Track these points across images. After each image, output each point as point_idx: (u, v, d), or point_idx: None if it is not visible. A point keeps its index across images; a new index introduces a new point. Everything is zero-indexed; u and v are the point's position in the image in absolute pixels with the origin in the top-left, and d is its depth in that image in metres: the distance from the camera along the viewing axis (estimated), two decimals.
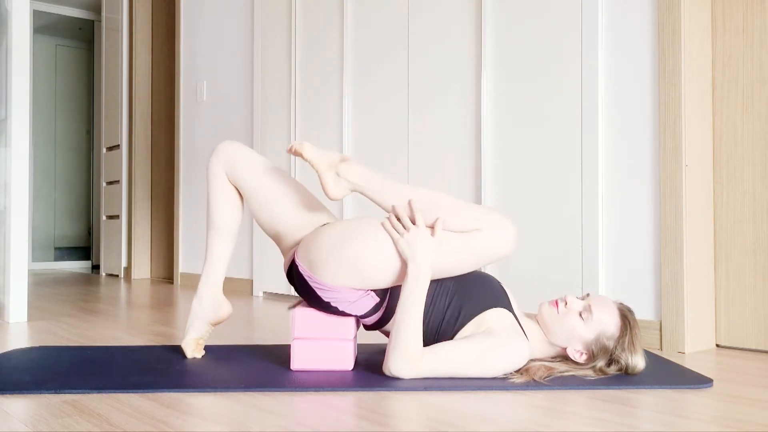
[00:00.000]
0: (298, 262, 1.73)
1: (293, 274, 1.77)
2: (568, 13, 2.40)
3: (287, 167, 3.59)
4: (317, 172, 1.73)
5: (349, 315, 1.74)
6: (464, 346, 1.61)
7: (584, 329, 1.64)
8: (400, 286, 1.71)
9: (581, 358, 1.67)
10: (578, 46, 2.37)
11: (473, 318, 1.67)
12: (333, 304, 1.71)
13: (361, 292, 1.70)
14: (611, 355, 1.64)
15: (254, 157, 1.89)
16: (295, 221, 1.82)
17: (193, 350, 1.92)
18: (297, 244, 1.80)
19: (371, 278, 1.68)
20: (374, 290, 1.72)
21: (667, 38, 2.14)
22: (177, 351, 2.01)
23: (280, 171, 1.90)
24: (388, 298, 1.73)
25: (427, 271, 1.64)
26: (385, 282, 1.69)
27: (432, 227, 1.66)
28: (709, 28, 2.23)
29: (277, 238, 1.86)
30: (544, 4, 2.48)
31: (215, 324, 1.96)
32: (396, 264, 1.67)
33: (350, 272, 1.66)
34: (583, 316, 1.64)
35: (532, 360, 1.70)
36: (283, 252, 1.86)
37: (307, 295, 1.74)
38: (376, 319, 1.75)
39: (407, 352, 1.60)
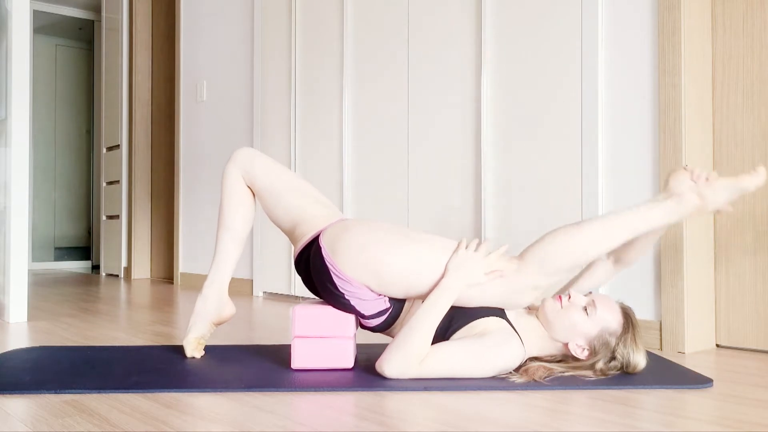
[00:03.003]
0: (322, 244, 1.73)
1: (309, 259, 1.78)
2: (568, 13, 2.40)
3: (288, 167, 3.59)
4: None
5: (355, 311, 1.75)
6: (458, 347, 1.61)
7: (587, 324, 1.64)
8: (406, 299, 1.74)
9: (583, 354, 1.66)
10: (578, 46, 2.37)
11: (463, 327, 1.68)
12: (347, 296, 1.72)
13: (375, 294, 1.71)
14: (613, 351, 1.63)
15: (271, 159, 1.95)
16: (312, 211, 1.85)
17: (194, 349, 1.92)
18: (314, 231, 1.80)
19: (388, 286, 1.69)
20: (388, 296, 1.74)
21: (667, 38, 2.14)
22: (177, 351, 2.02)
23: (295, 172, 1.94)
24: (395, 306, 1.74)
25: (457, 291, 1.65)
26: (399, 293, 1.71)
27: (495, 271, 1.67)
28: (709, 29, 2.23)
29: (292, 227, 1.87)
30: (544, 5, 2.48)
31: (218, 324, 1.97)
32: (416, 281, 1.68)
33: (370, 273, 1.68)
34: (587, 310, 1.65)
35: (531, 359, 1.70)
36: (297, 239, 1.86)
37: (321, 280, 1.74)
38: (379, 322, 1.76)
39: (409, 357, 1.60)
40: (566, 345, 1.68)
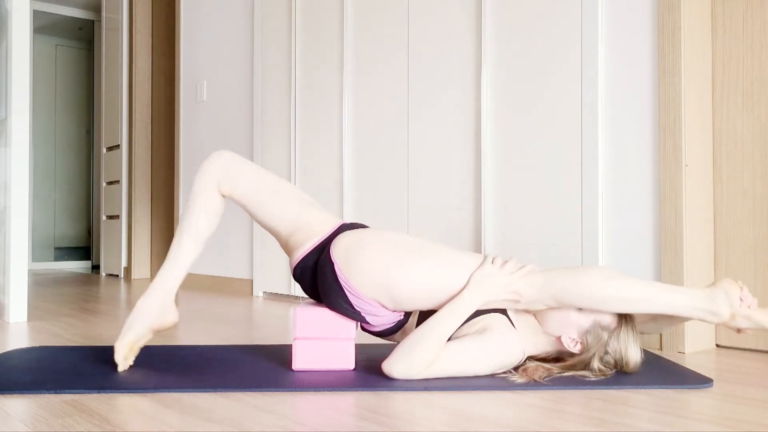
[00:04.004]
0: (335, 260, 1.70)
1: (314, 268, 1.75)
2: (568, 13, 2.40)
3: (287, 169, 3.59)
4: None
5: (367, 324, 1.75)
6: (461, 348, 1.61)
7: (580, 316, 1.64)
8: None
9: (575, 348, 1.66)
10: (578, 46, 2.37)
11: (465, 324, 1.68)
12: (363, 314, 1.71)
13: (390, 310, 1.72)
14: (606, 346, 1.62)
15: (249, 162, 1.82)
16: (307, 218, 1.77)
17: (125, 356, 1.72)
18: (313, 239, 1.76)
19: (401, 302, 1.69)
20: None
21: (667, 38, 2.14)
22: (177, 351, 2.01)
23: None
24: (405, 316, 1.76)
25: (476, 305, 1.64)
26: (411, 307, 1.71)
27: (516, 292, 1.65)
28: (709, 29, 2.23)
29: (287, 236, 1.79)
30: (544, 5, 2.48)
31: (157, 331, 1.78)
32: (426, 301, 1.68)
33: (383, 292, 1.67)
34: None
35: (529, 358, 1.70)
36: (292, 248, 1.79)
37: (331, 295, 1.71)
38: (385, 329, 1.77)
39: (416, 363, 1.59)
40: (559, 339, 1.68)
